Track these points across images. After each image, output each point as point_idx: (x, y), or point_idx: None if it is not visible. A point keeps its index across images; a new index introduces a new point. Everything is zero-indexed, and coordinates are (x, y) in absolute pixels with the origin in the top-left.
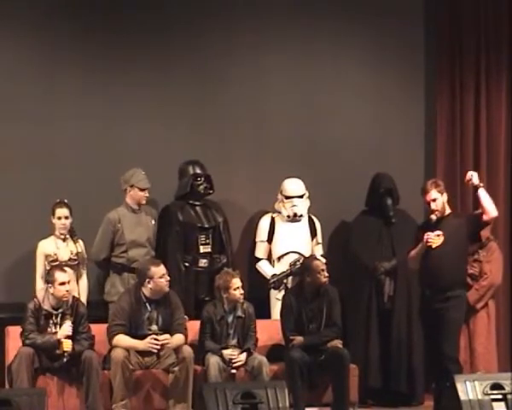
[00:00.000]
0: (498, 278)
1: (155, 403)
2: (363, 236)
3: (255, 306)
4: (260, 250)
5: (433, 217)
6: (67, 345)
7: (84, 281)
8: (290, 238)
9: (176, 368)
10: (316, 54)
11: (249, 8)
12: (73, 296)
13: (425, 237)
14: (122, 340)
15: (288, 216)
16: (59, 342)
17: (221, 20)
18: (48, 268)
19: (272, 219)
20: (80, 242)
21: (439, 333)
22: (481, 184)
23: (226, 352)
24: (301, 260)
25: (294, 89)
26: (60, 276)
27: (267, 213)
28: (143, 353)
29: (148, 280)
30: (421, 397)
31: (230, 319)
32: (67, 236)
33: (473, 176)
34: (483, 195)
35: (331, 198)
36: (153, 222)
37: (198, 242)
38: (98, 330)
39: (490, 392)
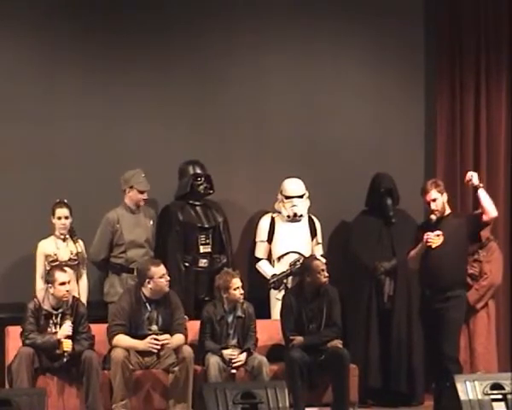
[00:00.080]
0: (498, 278)
1: (155, 403)
2: (363, 236)
3: (255, 306)
4: (260, 250)
5: (433, 217)
6: (67, 345)
7: (84, 281)
8: (290, 238)
9: (176, 368)
10: (316, 54)
11: (249, 8)
12: (73, 296)
13: (425, 237)
14: (122, 340)
15: (288, 216)
16: (59, 342)
17: (221, 20)
18: (48, 268)
19: (272, 219)
20: (80, 242)
21: (439, 333)
22: (481, 185)
23: (226, 352)
24: (301, 260)
25: (294, 89)
26: (60, 276)
27: (267, 213)
28: (143, 353)
29: (148, 280)
30: (421, 397)
31: (230, 319)
32: (67, 236)
33: (473, 176)
34: (483, 195)
35: (331, 198)
36: (151, 223)
37: (198, 242)
38: (98, 330)
39: (490, 392)
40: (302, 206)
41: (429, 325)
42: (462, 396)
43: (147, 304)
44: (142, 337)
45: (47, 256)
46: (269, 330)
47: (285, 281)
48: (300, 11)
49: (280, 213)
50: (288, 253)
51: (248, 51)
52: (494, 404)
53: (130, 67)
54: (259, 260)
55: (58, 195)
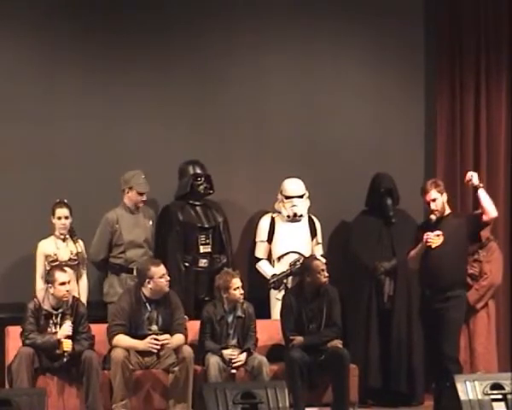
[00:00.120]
0: (498, 278)
1: (155, 403)
2: (363, 236)
3: (255, 306)
4: (260, 250)
5: (433, 217)
6: (67, 345)
7: (84, 281)
8: (290, 238)
9: (176, 368)
10: (316, 54)
11: (249, 8)
12: (73, 296)
13: (424, 237)
14: (122, 340)
15: (288, 216)
16: (59, 342)
17: (221, 20)
18: (48, 268)
19: (272, 219)
20: (80, 242)
21: (439, 333)
22: (481, 185)
23: (226, 352)
24: (301, 260)
25: (294, 89)
26: (60, 276)
27: (267, 213)
28: (143, 353)
29: (148, 280)
30: (421, 397)
31: (230, 319)
32: (67, 236)
33: (473, 176)
34: (483, 195)
35: (331, 198)
36: (150, 223)
37: (198, 242)
38: (98, 330)
39: (490, 392)
40: (302, 206)
41: (429, 325)
42: (462, 396)
43: (147, 304)
44: (142, 337)
45: (47, 256)
46: (269, 330)
47: (285, 281)
48: (300, 11)
49: (280, 213)
50: (288, 253)
51: (248, 51)
52: (494, 404)
53: (130, 67)
54: (259, 260)
55: (58, 195)
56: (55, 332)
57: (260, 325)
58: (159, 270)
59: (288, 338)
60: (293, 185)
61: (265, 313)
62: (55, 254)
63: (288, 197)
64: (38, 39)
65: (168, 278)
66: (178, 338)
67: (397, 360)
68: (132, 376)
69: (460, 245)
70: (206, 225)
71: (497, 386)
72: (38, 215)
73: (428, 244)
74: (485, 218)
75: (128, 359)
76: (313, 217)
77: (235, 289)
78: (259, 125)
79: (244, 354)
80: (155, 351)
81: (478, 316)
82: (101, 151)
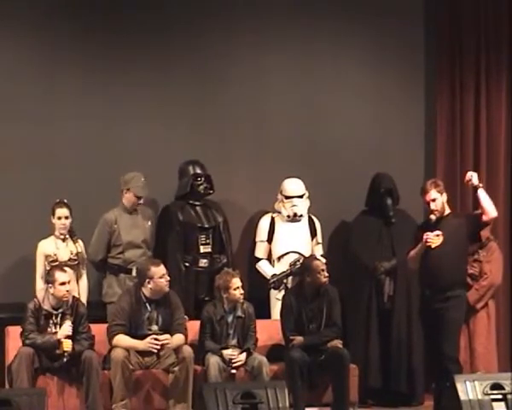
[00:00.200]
0: (498, 278)
1: (155, 403)
2: (363, 236)
3: (255, 306)
4: (260, 250)
5: (433, 217)
6: (67, 345)
7: (84, 281)
8: (290, 238)
9: (176, 368)
10: (316, 54)
11: (249, 8)
12: (73, 296)
13: (424, 236)
14: (122, 340)
15: (288, 216)
16: (59, 342)
17: (221, 20)
18: (48, 268)
19: (272, 219)
20: (80, 242)
21: (439, 333)
22: (481, 185)
23: (226, 352)
24: (301, 260)
25: (294, 89)
26: (60, 276)
27: (267, 213)
28: (143, 353)
29: (148, 280)
30: (421, 397)
31: (230, 319)
32: (67, 236)
33: (472, 176)
34: (483, 195)
35: (331, 198)
36: (149, 223)
37: (198, 242)
38: (98, 330)
39: (490, 392)
40: (302, 206)
41: (429, 325)
42: (462, 396)
43: (147, 304)
44: (142, 337)
45: (47, 256)
46: (269, 330)
47: (285, 281)
48: (300, 11)
49: (280, 213)
50: (287, 253)
51: (248, 51)
52: (494, 404)
53: (130, 67)
54: (259, 260)
55: (58, 195)
56: (55, 332)
57: (260, 325)
58: (159, 270)
59: (287, 338)
60: (293, 185)
61: (265, 313)
62: (55, 255)
63: (287, 197)
64: (38, 39)
65: (168, 278)
66: (178, 338)
67: (397, 360)
68: (132, 376)
69: (460, 245)
70: (207, 225)
71: (497, 386)
72: (38, 215)
73: (428, 244)
74: (484, 218)
75: (128, 359)
76: (313, 217)
77: (235, 289)
78: (259, 125)
79: (244, 354)
80: (155, 351)
81: (478, 316)
82: (101, 151)
